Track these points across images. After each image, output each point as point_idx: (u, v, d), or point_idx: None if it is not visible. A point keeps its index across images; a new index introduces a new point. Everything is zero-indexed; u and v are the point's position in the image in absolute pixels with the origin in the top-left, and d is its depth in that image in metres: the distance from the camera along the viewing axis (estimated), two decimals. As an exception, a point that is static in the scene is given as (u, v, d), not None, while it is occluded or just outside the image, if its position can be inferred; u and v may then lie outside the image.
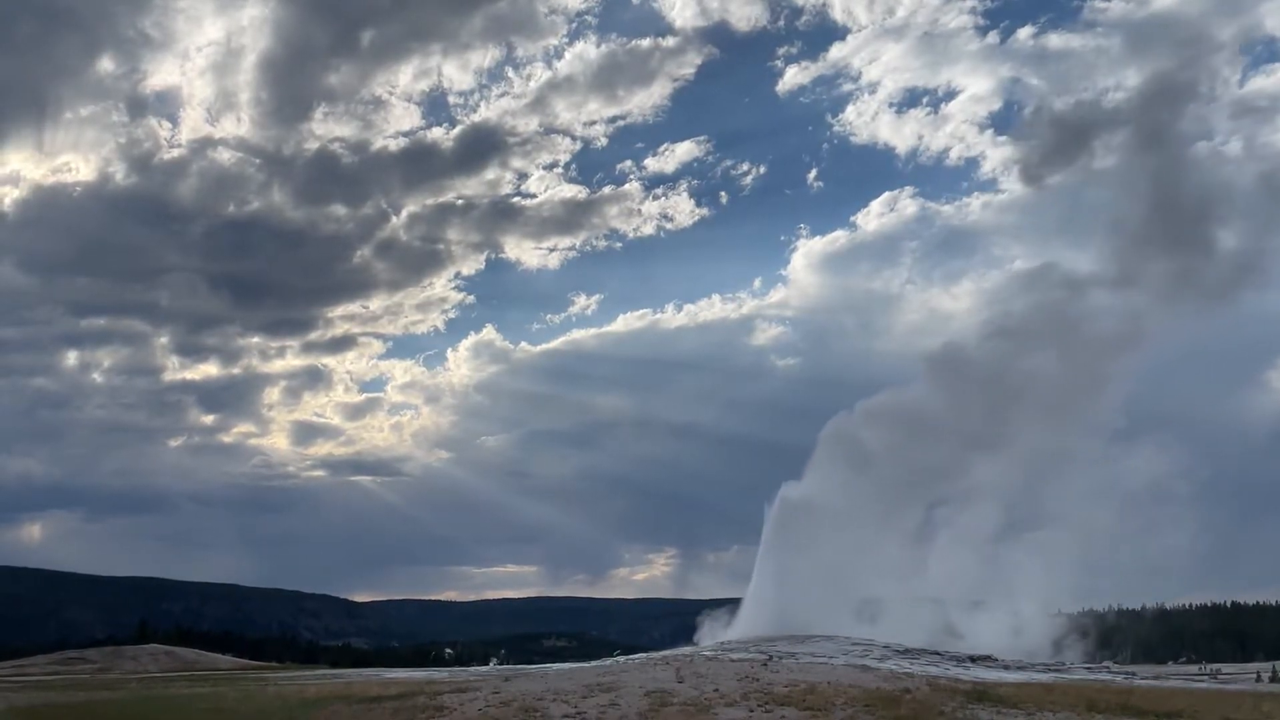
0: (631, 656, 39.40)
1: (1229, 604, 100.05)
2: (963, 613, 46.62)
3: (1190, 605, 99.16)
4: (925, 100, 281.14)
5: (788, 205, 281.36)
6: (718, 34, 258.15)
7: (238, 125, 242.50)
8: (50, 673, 45.14)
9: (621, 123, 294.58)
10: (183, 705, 26.42)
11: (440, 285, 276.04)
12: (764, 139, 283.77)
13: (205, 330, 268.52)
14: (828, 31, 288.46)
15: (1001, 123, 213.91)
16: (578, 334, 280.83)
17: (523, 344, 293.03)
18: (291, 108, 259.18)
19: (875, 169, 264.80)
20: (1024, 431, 47.54)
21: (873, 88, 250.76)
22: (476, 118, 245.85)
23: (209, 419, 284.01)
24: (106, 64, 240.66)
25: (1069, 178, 59.52)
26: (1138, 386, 52.09)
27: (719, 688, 23.12)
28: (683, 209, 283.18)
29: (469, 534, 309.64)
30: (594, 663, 37.82)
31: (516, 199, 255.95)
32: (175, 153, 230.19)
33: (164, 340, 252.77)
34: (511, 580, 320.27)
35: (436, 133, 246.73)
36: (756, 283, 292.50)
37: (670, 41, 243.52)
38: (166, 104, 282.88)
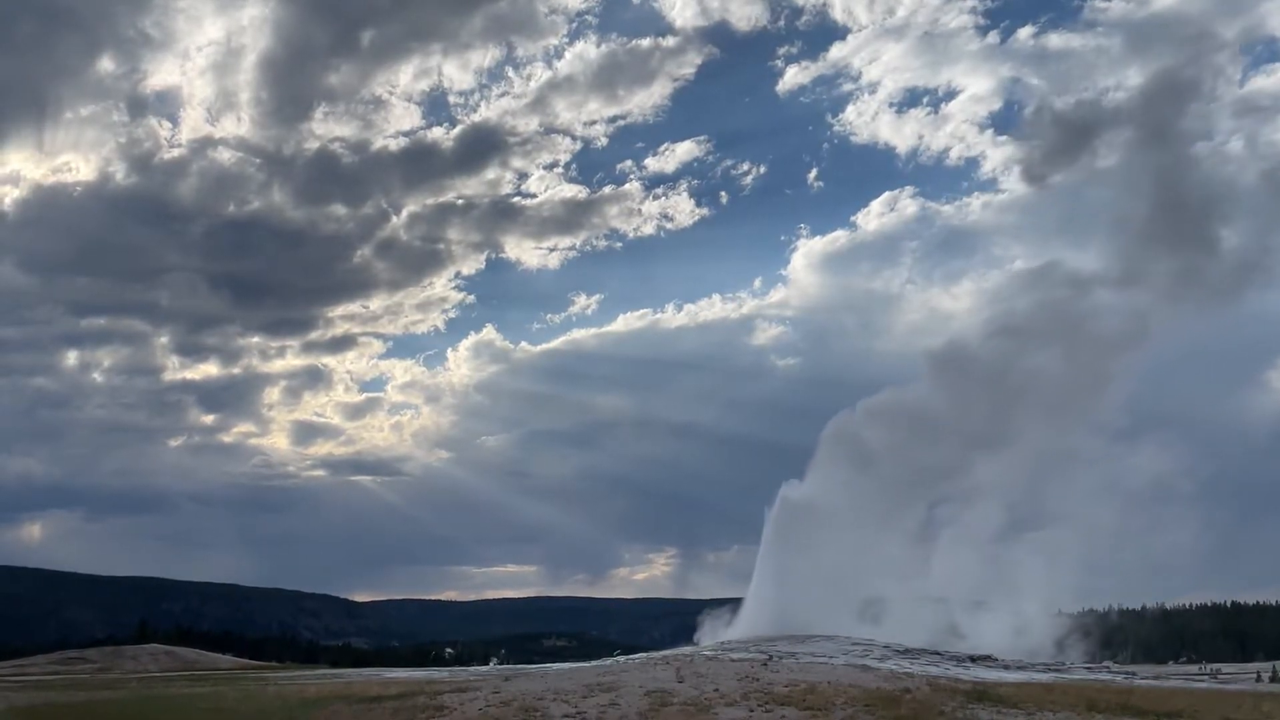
0: (631, 656, 39.38)
1: (1229, 604, 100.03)
2: (965, 613, 46.58)
3: (1190, 605, 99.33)
4: (925, 100, 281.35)
5: (788, 205, 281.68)
6: (718, 34, 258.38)
7: (238, 125, 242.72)
8: (50, 673, 45.12)
9: (622, 122, 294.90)
10: (183, 705, 26.41)
11: (440, 285, 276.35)
12: (764, 139, 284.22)
13: (205, 330, 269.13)
14: (828, 31, 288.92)
15: (1002, 123, 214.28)
16: (578, 334, 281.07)
17: (523, 344, 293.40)
18: (292, 107, 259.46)
19: (875, 169, 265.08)
20: (1026, 430, 47.54)
21: (873, 88, 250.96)
22: (477, 117, 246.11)
23: (209, 419, 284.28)
24: (107, 64, 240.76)
25: (1071, 177, 59.64)
26: (1140, 385, 52.21)
27: (719, 687, 23.11)
28: (683, 209, 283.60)
29: (469, 534, 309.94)
30: (594, 663, 37.80)
31: (517, 199, 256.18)
32: (175, 152, 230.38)
33: (164, 340, 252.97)
34: (511, 580, 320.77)
35: (437, 132, 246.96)
36: (757, 283, 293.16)
37: (670, 41, 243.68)
38: (167, 104, 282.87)
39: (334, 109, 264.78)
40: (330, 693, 26.69)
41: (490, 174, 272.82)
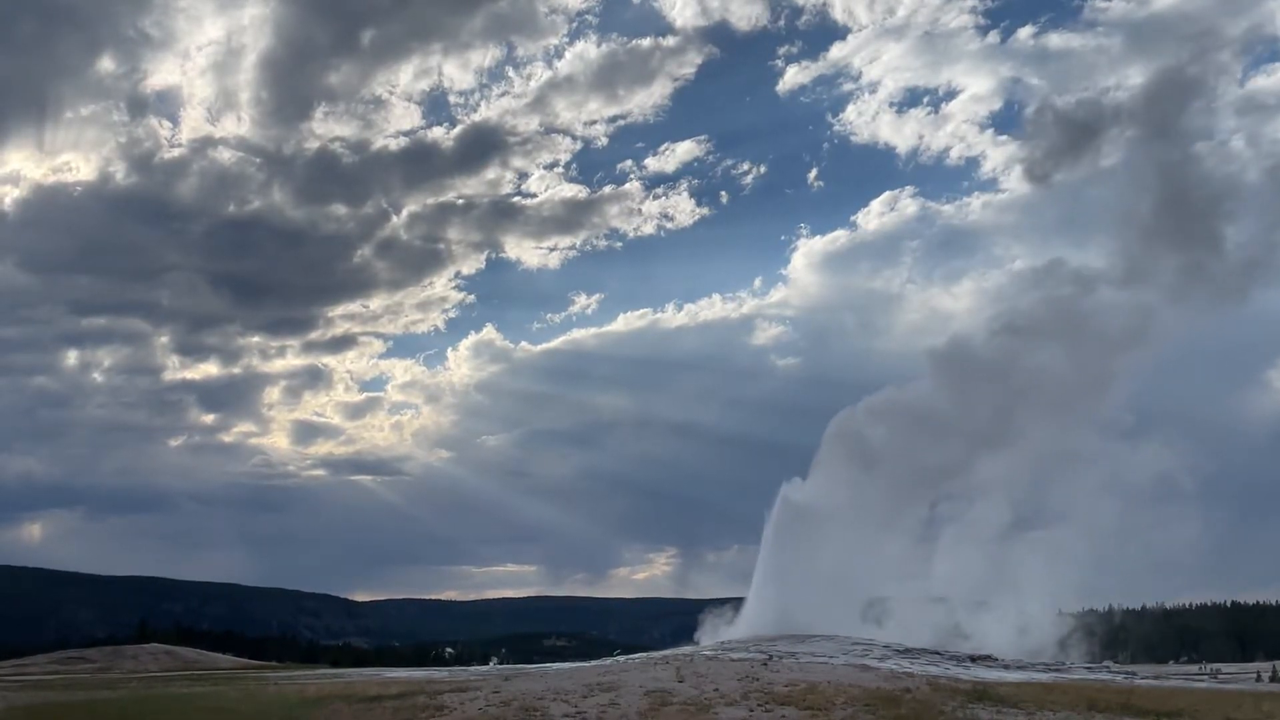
0: (631, 656, 39.37)
1: (1229, 603, 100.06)
2: (968, 613, 46.53)
3: (1191, 605, 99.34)
4: (926, 100, 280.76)
5: (788, 205, 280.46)
6: (718, 34, 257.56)
7: (238, 125, 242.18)
8: (50, 672, 45.06)
9: (622, 122, 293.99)
10: (183, 704, 26.35)
11: (440, 285, 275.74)
12: (764, 138, 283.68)
13: (205, 330, 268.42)
14: (828, 31, 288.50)
15: (1002, 122, 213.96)
16: (578, 333, 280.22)
17: (523, 343, 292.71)
18: (292, 107, 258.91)
19: (876, 168, 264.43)
20: (1029, 429, 47.39)
21: (873, 87, 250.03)
22: (477, 117, 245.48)
23: (209, 418, 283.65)
24: (107, 63, 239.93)
25: (1073, 175, 59.50)
26: (1143, 384, 52.17)
27: (719, 687, 23.10)
28: (683, 208, 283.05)
29: (469, 534, 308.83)
30: (594, 662, 37.78)
31: (517, 198, 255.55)
32: (176, 152, 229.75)
33: (164, 340, 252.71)
34: (511, 580, 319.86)
35: (437, 132, 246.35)
36: (757, 282, 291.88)
37: (671, 41, 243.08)
38: (167, 103, 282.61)
39: (334, 109, 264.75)
40: (330, 692, 26.66)
41: (490, 174, 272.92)
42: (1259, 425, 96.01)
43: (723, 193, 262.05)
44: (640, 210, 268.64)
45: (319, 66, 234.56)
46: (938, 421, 47.71)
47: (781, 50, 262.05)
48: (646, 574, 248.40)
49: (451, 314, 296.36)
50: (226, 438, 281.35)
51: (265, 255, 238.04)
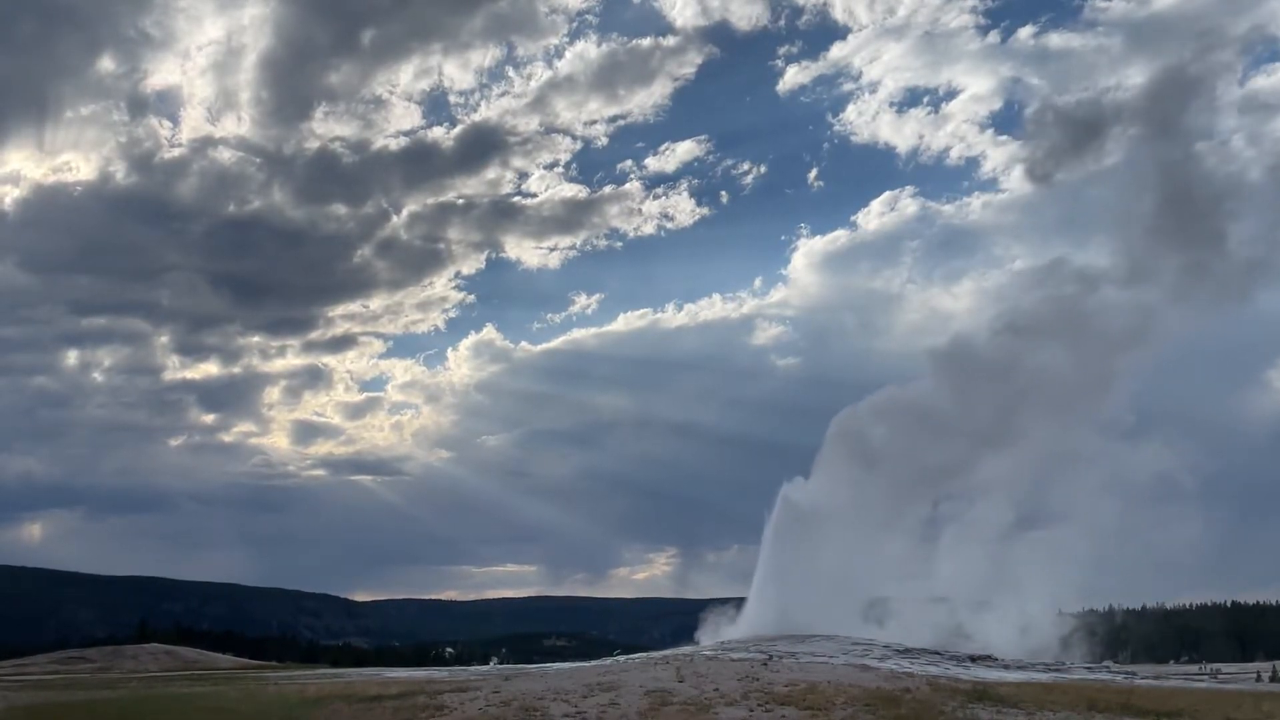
0: (631, 656, 39.37)
1: (1229, 603, 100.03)
2: (969, 612, 46.50)
3: (1191, 605, 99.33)
4: (926, 100, 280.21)
5: (788, 205, 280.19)
6: (718, 33, 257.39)
7: (238, 124, 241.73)
8: (50, 672, 45.07)
9: (622, 122, 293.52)
10: (183, 704, 26.35)
11: (441, 285, 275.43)
12: (764, 138, 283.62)
13: (205, 329, 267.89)
14: (828, 31, 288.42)
15: (1002, 122, 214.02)
16: (578, 333, 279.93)
17: (523, 343, 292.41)
18: (292, 107, 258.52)
19: (876, 168, 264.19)
20: (1031, 428, 47.40)
21: (873, 87, 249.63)
22: (477, 117, 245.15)
23: (209, 418, 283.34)
24: (107, 63, 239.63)
25: (1074, 175, 59.52)
26: (1145, 383, 52.13)
27: (719, 687, 23.09)
28: (683, 208, 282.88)
29: (469, 534, 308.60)
30: (594, 662, 37.79)
31: (517, 198, 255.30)
32: (176, 152, 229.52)
33: (164, 339, 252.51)
34: (511, 580, 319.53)
35: (437, 132, 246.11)
36: (757, 282, 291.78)
37: (671, 41, 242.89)
38: (167, 103, 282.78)
39: (334, 109, 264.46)
40: (330, 692, 26.65)
41: (490, 174, 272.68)
42: (1260, 425, 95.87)
43: (723, 193, 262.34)
44: (640, 210, 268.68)
45: (319, 66, 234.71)
46: (939, 421, 47.71)
47: (782, 50, 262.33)
48: (646, 574, 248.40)
49: (451, 314, 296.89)
50: (226, 438, 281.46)
51: (265, 255, 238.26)
